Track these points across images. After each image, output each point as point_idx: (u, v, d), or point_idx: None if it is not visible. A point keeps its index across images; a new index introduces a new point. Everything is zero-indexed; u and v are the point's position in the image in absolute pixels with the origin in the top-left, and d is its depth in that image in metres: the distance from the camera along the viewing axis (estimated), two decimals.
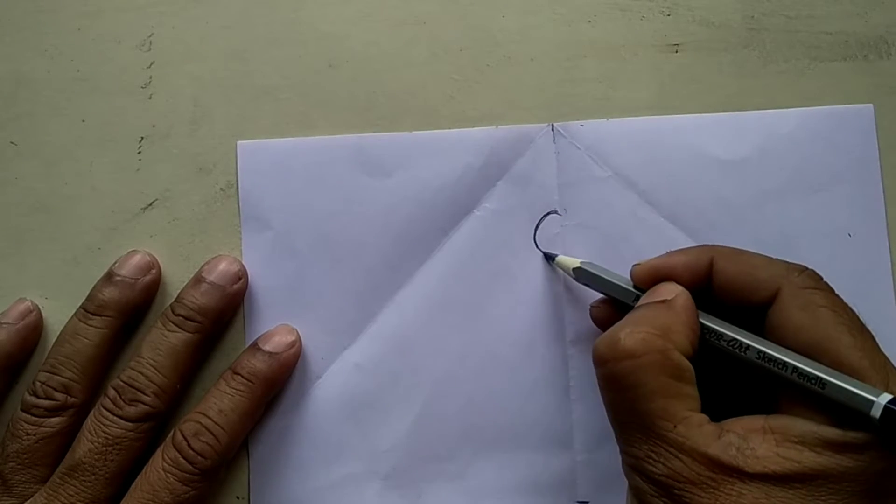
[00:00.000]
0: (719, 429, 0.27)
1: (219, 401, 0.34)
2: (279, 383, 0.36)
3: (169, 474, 0.32)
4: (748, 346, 0.28)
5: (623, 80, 0.37)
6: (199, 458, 0.33)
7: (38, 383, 0.34)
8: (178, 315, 0.35)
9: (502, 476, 0.36)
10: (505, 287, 0.36)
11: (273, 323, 0.36)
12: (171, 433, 0.34)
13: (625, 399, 0.28)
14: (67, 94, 0.38)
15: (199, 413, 0.34)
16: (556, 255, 0.35)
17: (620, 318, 0.30)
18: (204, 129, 0.38)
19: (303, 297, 0.37)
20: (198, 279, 0.36)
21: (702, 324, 0.29)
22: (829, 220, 0.36)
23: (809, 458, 0.26)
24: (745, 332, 0.29)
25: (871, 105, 0.37)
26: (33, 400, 0.34)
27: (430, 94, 0.38)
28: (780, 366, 0.27)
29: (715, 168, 0.36)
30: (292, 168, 0.37)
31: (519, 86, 0.38)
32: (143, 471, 0.33)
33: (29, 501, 0.33)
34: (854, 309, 0.29)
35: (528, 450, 0.36)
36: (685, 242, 0.36)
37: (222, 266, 0.36)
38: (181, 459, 0.33)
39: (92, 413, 0.34)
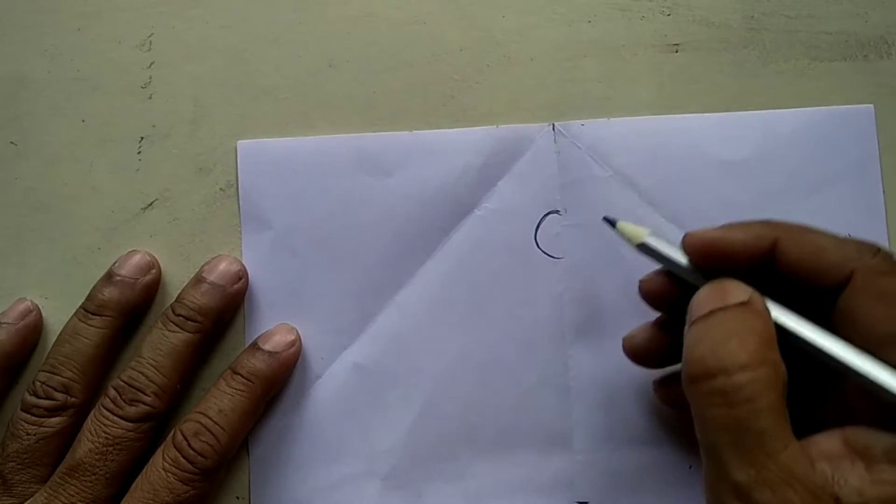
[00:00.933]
0: (807, 455, 0.25)
1: (219, 401, 0.34)
2: (279, 383, 0.36)
3: (169, 474, 0.32)
4: (822, 342, 0.26)
5: (623, 80, 0.37)
6: (199, 457, 0.33)
7: (38, 383, 0.34)
8: (179, 315, 0.35)
9: (502, 476, 0.36)
10: (505, 287, 0.36)
11: (273, 323, 0.36)
12: (172, 433, 0.34)
13: (734, 414, 0.25)
14: (67, 94, 0.38)
15: (200, 413, 0.34)
16: (618, 221, 0.32)
17: (678, 294, 0.29)
18: (204, 129, 0.38)
19: (303, 296, 0.37)
20: (198, 279, 0.36)
21: (777, 324, 0.27)
22: (830, 221, 0.36)
23: None
24: (817, 327, 0.27)
25: (871, 106, 0.37)
26: (33, 400, 0.34)
27: (430, 94, 0.38)
28: (857, 373, 0.25)
29: (715, 168, 0.36)
30: (292, 168, 0.37)
31: (519, 86, 0.38)
32: (144, 470, 0.33)
33: (29, 501, 0.33)
34: None
35: (528, 450, 0.36)
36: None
37: (222, 266, 0.36)
38: (181, 459, 0.33)
39: (92, 413, 0.34)
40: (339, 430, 0.36)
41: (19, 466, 0.34)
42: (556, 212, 0.37)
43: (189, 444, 0.33)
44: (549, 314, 0.36)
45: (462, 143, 0.37)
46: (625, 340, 0.33)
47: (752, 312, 0.27)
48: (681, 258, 0.30)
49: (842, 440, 0.25)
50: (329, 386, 0.36)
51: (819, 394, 0.28)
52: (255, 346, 0.35)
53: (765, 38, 0.38)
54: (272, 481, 0.36)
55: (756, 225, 0.29)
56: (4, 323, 0.36)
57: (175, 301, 0.35)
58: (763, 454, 0.24)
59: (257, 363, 0.35)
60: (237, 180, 0.37)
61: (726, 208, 0.36)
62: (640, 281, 0.32)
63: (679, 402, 0.31)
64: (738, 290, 0.27)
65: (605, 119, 0.37)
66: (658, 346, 0.32)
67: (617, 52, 0.38)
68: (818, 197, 0.36)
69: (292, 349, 0.36)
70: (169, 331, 0.35)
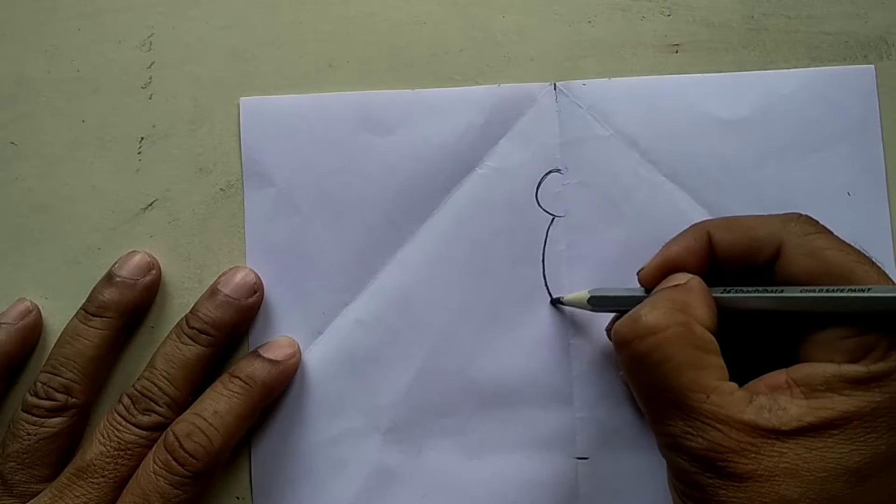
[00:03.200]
0: (748, 393, 0.27)
1: (214, 402, 0.34)
2: (276, 391, 0.36)
3: (159, 477, 0.32)
4: (781, 289, 0.28)
5: None
6: (190, 459, 0.32)
7: (38, 384, 0.34)
8: (193, 328, 0.35)
9: (502, 432, 0.36)
10: (506, 245, 0.37)
11: (277, 279, 0.37)
12: (163, 435, 0.33)
13: (653, 377, 0.27)
14: (67, 94, 0.38)
15: (194, 414, 0.34)
16: (561, 297, 0.36)
17: None
18: (204, 129, 0.38)
19: (305, 253, 0.37)
20: (213, 291, 0.36)
21: (725, 296, 0.29)
22: (830, 180, 0.36)
23: (840, 402, 0.26)
24: (763, 287, 0.29)
25: (871, 66, 0.37)
26: (34, 400, 0.34)
27: None
28: (819, 298, 0.27)
29: (716, 127, 0.37)
30: (295, 125, 0.37)
31: (518, 85, 0.38)
32: (136, 474, 0.33)
33: (32, 501, 0.33)
34: None
35: (528, 406, 0.36)
36: (686, 200, 0.36)
37: (238, 278, 0.36)
38: (172, 462, 0.32)
39: (105, 418, 0.34)
40: (340, 386, 0.36)
41: (19, 466, 0.34)
42: (558, 170, 0.37)
43: (181, 445, 0.33)
44: (549, 271, 0.36)
45: (464, 101, 0.37)
46: (608, 332, 0.35)
47: (679, 289, 0.29)
48: (629, 293, 0.32)
49: (785, 374, 0.27)
50: (330, 342, 0.37)
51: (775, 356, 0.30)
52: (255, 354, 0.35)
53: (765, 38, 0.38)
54: (272, 434, 0.36)
55: (688, 231, 0.31)
56: (4, 323, 0.36)
57: (189, 313, 0.35)
58: (686, 406, 0.26)
59: (257, 370, 0.35)
60: (239, 136, 0.37)
61: (727, 167, 0.36)
62: (607, 329, 0.35)
63: None
64: (676, 277, 0.30)
65: (607, 79, 0.37)
66: None
67: (617, 52, 0.38)
68: (818, 156, 0.37)
69: (292, 360, 0.36)
70: (182, 343, 0.35)
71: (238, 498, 0.36)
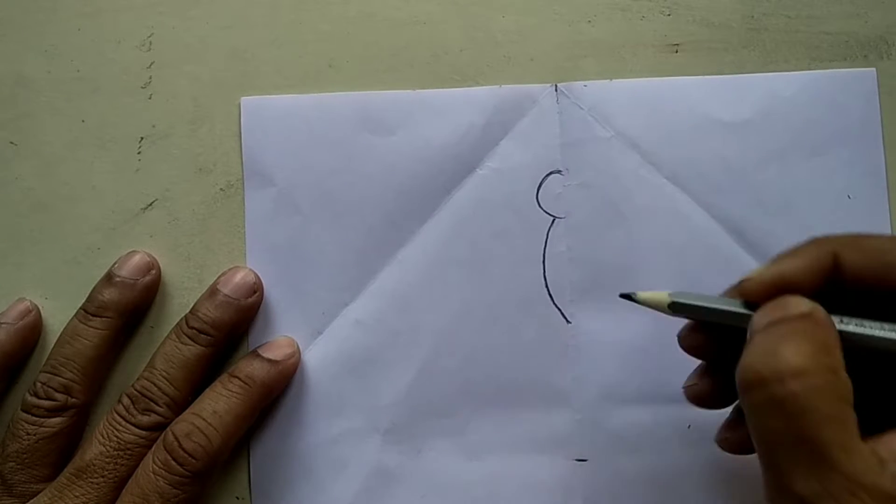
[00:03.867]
0: (877, 456, 0.23)
1: (214, 402, 0.34)
2: (276, 391, 0.36)
3: (159, 477, 0.32)
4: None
5: None
6: (189, 459, 0.32)
7: (38, 384, 0.34)
8: (192, 328, 0.35)
9: (501, 433, 0.36)
10: (506, 246, 0.37)
11: (277, 279, 0.37)
12: (163, 435, 0.33)
13: (792, 426, 0.24)
14: (67, 94, 0.38)
15: (193, 414, 0.33)
16: (635, 293, 0.30)
17: (718, 345, 0.28)
18: (204, 129, 0.38)
19: (305, 253, 0.37)
20: (213, 291, 0.36)
21: (845, 331, 0.26)
22: (831, 183, 0.36)
23: None
24: (888, 325, 0.26)
25: (873, 69, 0.37)
26: (34, 400, 0.34)
27: None
28: None
29: (717, 129, 0.37)
30: (295, 125, 0.37)
31: (519, 86, 0.38)
32: (135, 474, 0.33)
33: (32, 501, 0.33)
34: None
35: (528, 408, 0.36)
36: (687, 202, 0.36)
37: (238, 278, 0.36)
38: (171, 462, 0.32)
39: (105, 418, 0.34)
40: (339, 386, 0.36)
41: (19, 466, 0.34)
42: (558, 171, 0.37)
43: (180, 445, 0.32)
44: (550, 273, 0.36)
45: (465, 102, 0.37)
46: (686, 391, 0.32)
47: (812, 322, 0.25)
48: (721, 305, 0.28)
49: None
50: (330, 342, 0.37)
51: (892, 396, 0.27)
52: (255, 354, 0.35)
53: (765, 38, 0.38)
54: (271, 435, 0.36)
55: (810, 247, 0.28)
56: (4, 323, 0.36)
57: (189, 313, 0.35)
58: (826, 466, 0.23)
59: (256, 370, 0.35)
60: (240, 136, 0.37)
61: (728, 169, 0.36)
62: (679, 337, 0.31)
63: (743, 447, 0.30)
64: (799, 303, 0.26)
65: (608, 80, 0.37)
66: (715, 390, 0.31)
67: (617, 52, 0.38)
68: (819, 159, 0.37)
69: (292, 360, 0.36)
70: (182, 343, 0.35)
71: (237, 498, 0.36)
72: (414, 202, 0.37)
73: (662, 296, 0.29)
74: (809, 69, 0.37)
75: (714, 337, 0.30)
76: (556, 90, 0.37)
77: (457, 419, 0.36)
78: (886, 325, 0.26)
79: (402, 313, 0.37)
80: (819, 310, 0.26)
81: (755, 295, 0.27)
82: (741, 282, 0.28)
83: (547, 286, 0.36)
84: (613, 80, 0.37)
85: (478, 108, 0.37)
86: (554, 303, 0.36)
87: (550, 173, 0.37)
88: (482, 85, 0.37)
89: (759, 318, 0.26)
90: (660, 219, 0.36)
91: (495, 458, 0.36)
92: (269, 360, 0.35)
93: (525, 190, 0.37)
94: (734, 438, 0.30)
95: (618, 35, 0.38)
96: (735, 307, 0.28)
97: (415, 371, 0.36)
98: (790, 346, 0.24)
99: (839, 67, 0.37)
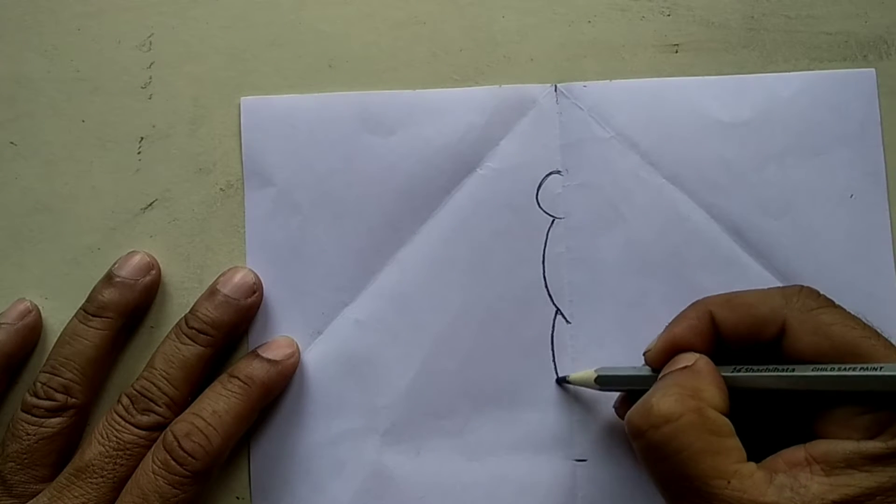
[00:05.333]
0: (768, 472, 0.26)
1: (213, 402, 0.34)
2: (275, 391, 0.36)
3: (158, 477, 0.32)
4: (792, 368, 0.28)
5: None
6: (189, 459, 0.32)
7: (38, 384, 0.34)
8: (192, 328, 0.35)
9: (500, 433, 0.36)
10: (506, 246, 0.37)
11: (277, 279, 0.37)
12: (162, 435, 0.33)
13: (670, 466, 0.27)
14: (67, 94, 0.38)
15: (193, 414, 0.33)
16: (566, 376, 0.35)
17: None
18: (204, 129, 0.38)
19: (305, 253, 0.37)
20: (212, 291, 0.36)
21: (734, 376, 0.29)
22: (830, 183, 0.36)
23: (861, 479, 0.25)
24: (777, 365, 0.29)
25: (872, 70, 0.37)
26: (34, 400, 0.34)
27: None
28: (831, 377, 0.27)
29: (717, 130, 0.37)
30: (295, 125, 0.37)
31: (519, 86, 0.38)
32: (135, 474, 0.33)
33: (32, 501, 0.33)
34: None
35: (527, 408, 0.36)
36: (686, 203, 0.36)
37: (237, 278, 0.36)
38: (171, 462, 0.32)
39: (104, 418, 0.34)
40: (339, 386, 0.36)
41: (19, 467, 0.34)
42: (558, 172, 0.37)
43: (180, 445, 0.32)
44: (549, 273, 0.36)
45: (465, 102, 0.37)
46: (617, 409, 0.35)
47: (688, 372, 0.29)
48: (636, 373, 0.32)
49: (804, 451, 0.27)
50: (330, 342, 0.37)
51: (799, 430, 0.29)
52: (254, 354, 0.35)
53: (765, 38, 0.38)
54: (271, 435, 0.36)
55: (690, 310, 0.31)
56: (4, 323, 0.36)
57: (189, 313, 0.35)
58: (708, 494, 0.26)
59: (256, 370, 0.35)
60: (240, 136, 0.37)
61: (727, 170, 0.36)
62: (615, 407, 0.34)
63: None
64: (684, 358, 0.30)
65: (607, 81, 0.37)
66: None
67: (617, 52, 0.38)
68: (819, 159, 0.37)
69: (291, 360, 0.36)
70: (182, 343, 0.35)
71: (238, 498, 0.36)
72: (414, 202, 0.37)
73: (589, 374, 0.34)
74: (809, 69, 0.37)
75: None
76: (555, 90, 0.37)
77: (456, 419, 0.36)
78: (762, 368, 0.29)
79: (401, 313, 0.37)
80: (701, 361, 0.29)
81: (656, 362, 0.31)
82: (644, 353, 0.32)
83: (547, 286, 0.36)
84: (613, 81, 0.37)
85: (478, 108, 0.37)
86: (554, 303, 0.36)
87: (550, 173, 0.37)
88: (482, 85, 0.37)
89: (661, 373, 0.30)
90: (660, 219, 0.36)
91: (495, 459, 0.36)
92: (269, 360, 0.35)
93: (525, 190, 0.37)
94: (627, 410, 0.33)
95: (618, 35, 0.38)
96: (648, 372, 0.32)
97: (414, 371, 0.36)
98: (658, 396, 0.28)
99: (839, 67, 0.37)
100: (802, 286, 0.30)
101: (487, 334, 0.36)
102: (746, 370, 0.29)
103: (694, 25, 0.38)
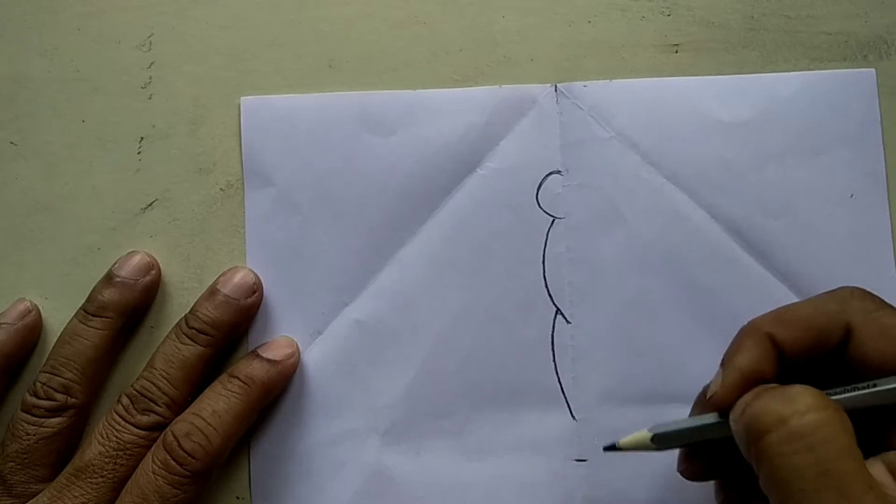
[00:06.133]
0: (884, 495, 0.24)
1: (213, 402, 0.34)
2: (275, 391, 0.36)
3: (158, 477, 0.32)
4: (874, 383, 0.27)
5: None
6: (189, 459, 0.32)
7: (38, 384, 0.34)
8: (192, 328, 0.35)
9: (500, 434, 0.36)
10: (506, 246, 0.37)
11: (277, 279, 0.37)
12: (162, 435, 0.33)
13: (815, 457, 0.24)
14: (67, 94, 0.38)
15: (193, 414, 0.33)
16: (616, 442, 0.31)
17: (713, 464, 0.29)
18: (204, 129, 0.38)
19: (305, 253, 0.37)
20: (212, 291, 0.36)
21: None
22: (830, 183, 0.36)
23: None
24: (856, 384, 0.27)
25: (872, 70, 0.37)
26: (34, 400, 0.34)
27: None
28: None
29: (717, 130, 0.37)
30: (295, 125, 0.37)
31: (519, 86, 0.38)
32: (134, 474, 0.33)
33: (32, 501, 0.33)
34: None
35: (527, 408, 0.36)
36: (686, 203, 0.36)
37: (237, 278, 0.36)
38: (171, 462, 0.32)
39: (104, 418, 0.34)
40: (339, 386, 0.36)
41: (19, 467, 0.34)
42: (558, 172, 0.37)
43: (180, 445, 0.32)
44: (549, 273, 0.36)
45: (465, 102, 0.37)
46: (681, 473, 0.32)
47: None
48: (699, 423, 0.29)
49: (886, 468, 0.26)
50: (330, 342, 0.37)
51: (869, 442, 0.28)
52: (254, 354, 0.35)
53: (765, 38, 0.38)
54: (271, 435, 0.36)
55: (745, 340, 0.29)
56: (4, 323, 0.36)
57: (189, 313, 0.35)
58: (851, 496, 0.23)
59: (256, 370, 0.35)
60: (240, 136, 0.37)
61: (728, 170, 0.36)
62: (680, 471, 0.31)
63: (699, 475, 0.31)
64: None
65: (608, 81, 0.37)
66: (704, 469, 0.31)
67: (617, 52, 0.38)
68: (819, 159, 0.37)
69: (291, 360, 0.36)
70: (182, 343, 0.35)
71: (238, 498, 0.36)
72: (414, 202, 0.37)
73: (644, 435, 0.30)
74: (809, 69, 0.37)
75: (706, 456, 0.30)
76: (555, 90, 0.37)
77: (456, 419, 0.36)
78: (842, 389, 0.27)
79: (401, 313, 0.37)
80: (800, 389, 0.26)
81: (728, 402, 0.28)
82: (710, 397, 0.28)
83: (547, 286, 0.36)
84: (613, 81, 0.37)
85: (478, 109, 0.37)
86: (554, 303, 0.36)
87: (550, 173, 0.37)
88: (482, 85, 0.37)
89: (738, 406, 0.27)
90: (660, 219, 0.36)
91: (495, 459, 0.36)
92: (269, 360, 0.35)
93: (525, 190, 0.37)
94: (692, 468, 0.31)
95: (618, 35, 0.38)
96: (712, 419, 0.28)
97: (414, 371, 0.36)
98: (798, 389, 0.25)
99: (839, 67, 0.37)
100: (852, 288, 0.29)
101: (487, 334, 0.36)
102: (832, 392, 0.27)
103: (694, 25, 0.38)
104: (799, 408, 0.25)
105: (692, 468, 0.31)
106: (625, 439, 0.30)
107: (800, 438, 0.24)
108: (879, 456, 0.26)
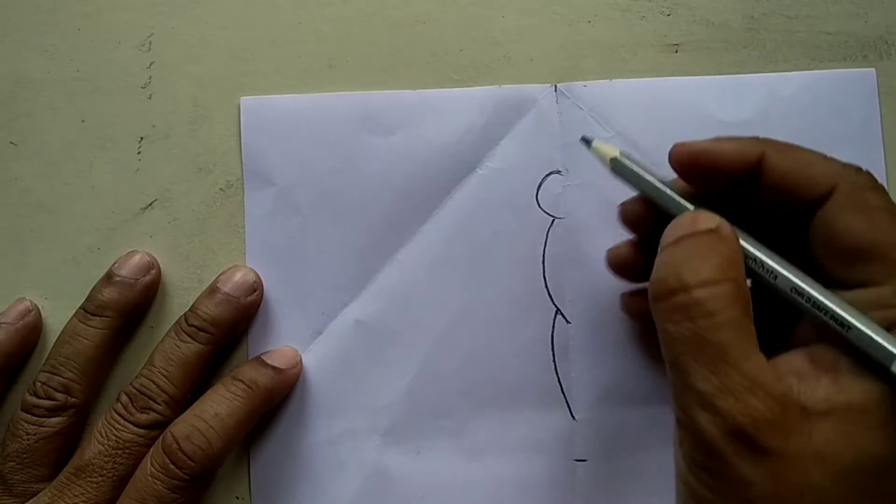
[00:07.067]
0: (776, 370, 0.25)
1: (216, 405, 0.34)
2: (276, 398, 0.36)
3: (157, 480, 0.32)
4: (776, 273, 0.27)
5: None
6: (188, 462, 0.32)
7: (38, 383, 0.34)
8: (192, 326, 0.35)
9: (500, 434, 0.36)
10: (506, 246, 0.37)
11: (277, 279, 0.37)
12: (162, 437, 0.33)
13: (696, 330, 0.25)
14: (67, 94, 0.38)
15: (194, 415, 0.33)
16: (593, 140, 0.32)
17: (654, 220, 0.29)
18: (204, 129, 0.38)
19: (305, 253, 0.37)
20: (212, 289, 0.36)
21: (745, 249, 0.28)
22: None
23: (871, 386, 0.24)
24: (779, 257, 0.28)
25: (872, 69, 0.37)
26: (34, 400, 0.34)
27: None
28: (806, 300, 0.26)
29: (717, 130, 0.36)
30: (295, 125, 0.37)
31: (519, 86, 0.38)
32: (133, 477, 0.33)
33: (32, 501, 0.33)
34: None
35: (527, 408, 0.36)
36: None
37: (237, 277, 0.36)
38: (170, 465, 0.32)
39: (103, 416, 0.34)
40: (339, 386, 0.36)
41: (19, 466, 0.34)
42: (558, 172, 0.37)
43: (179, 447, 0.32)
44: (549, 273, 0.36)
45: (465, 102, 0.37)
46: (609, 253, 0.34)
47: (718, 237, 0.27)
48: (652, 179, 0.30)
49: (807, 358, 0.26)
50: (330, 342, 0.37)
51: (786, 321, 0.28)
52: (259, 360, 0.35)
53: (765, 38, 0.38)
54: (271, 434, 0.36)
55: (745, 139, 0.29)
56: (4, 323, 0.36)
57: (189, 311, 0.35)
58: (725, 364, 0.25)
59: (260, 375, 0.35)
60: (240, 136, 0.37)
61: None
62: (620, 204, 0.32)
63: (641, 314, 0.33)
64: (707, 219, 0.28)
65: (608, 80, 0.37)
66: (636, 263, 0.33)
67: (617, 52, 0.38)
68: None
69: (294, 370, 0.36)
70: (181, 341, 0.35)
71: (238, 498, 0.36)
72: (414, 202, 0.37)
73: (611, 150, 0.31)
74: (809, 69, 0.37)
75: (651, 216, 0.31)
76: (555, 90, 0.37)
77: (456, 420, 0.36)
78: (774, 255, 0.28)
79: (401, 313, 0.37)
80: (725, 226, 0.27)
81: (680, 159, 0.29)
82: (675, 145, 0.29)
83: (547, 286, 0.36)
84: (613, 80, 0.37)
85: (478, 108, 0.37)
86: (554, 303, 0.36)
87: (550, 173, 0.37)
88: (482, 85, 0.37)
89: (670, 232, 0.28)
90: None
91: (495, 459, 0.36)
92: (274, 368, 0.35)
93: (525, 190, 0.37)
94: (634, 303, 0.34)
95: (618, 35, 0.38)
96: (665, 186, 0.30)
97: (414, 371, 0.36)
98: (696, 260, 0.26)
99: (839, 67, 0.37)
100: (859, 167, 0.28)
101: (487, 334, 0.36)
102: (756, 245, 0.28)
103: (694, 25, 0.38)
104: (690, 282, 0.26)
105: (631, 210, 0.32)
106: (598, 142, 0.32)
107: (684, 311, 0.26)
108: (808, 347, 0.26)
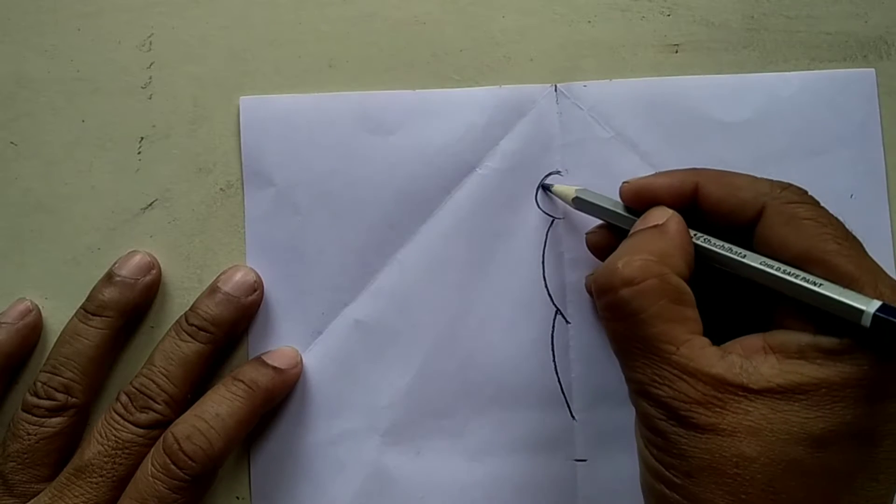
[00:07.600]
0: (722, 350, 0.27)
1: (217, 405, 0.34)
2: (277, 399, 0.36)
3: (157, 481, 0.32)
4: (745, 254, 0.29)
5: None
6: (189, 462, 0.32)
7: (38, 384, 0.34)
8: (192, 325, 0.35)
9: (500, 434, 0.36)
10: (506, 246, 0.37)
11: (276, 279, 0.37)
12: (162, 437, 0.33)
13: (626, 326, 0.28)
14: (67, 94, 0.38)
15: (195, 416, 0.33)
16: (552, 185, 0.36)
17: (617, 243, 0.30)
18: (204, 129, 0.38)
19: (305, 253, 0.37)
20: (213, 289, 0.36)
21: (696, 244, 0.30)
22: (830, 183, 0.36)
23: (811, 370, 0.26)
24: (737, 247, 0.29)
25: (872, 70, 0.37)
26: (34, 400, 0.34)
27: None
28: (773, 276, 0.28)
29: (717, 130, 0.37)
30: (295, 124, 0.37)
31: (519, 86, 0.38)
32: (133, 477, 0.33)
33: (32, 501, 0.33)
34: None
35: (527, 408, 0.36)
36: None
37: (238, 277, 0.36)
38: (171, 465, 0.32)
39: (103, 416, 0.34)
40: (338, 386, 0.36)
41: (20, 466, 0.34)
42: (558, 172, 0.37)
43: (180, 447, 0.32)
44: (549, 273, 0.36)
45: (465, 102, 0.37)
46: (588, 235, 0.35)
47: (659, 232, 0.29)
48: (611, 206, 0.32)
49: (762, 339, 0.28)
50: (329, 342, 0.37)
51: (752, 312, 0.30)
52: (259, 360, 0.35)
53: (765, 38, 0.38)
54: (271, 434, 0.36)
55: (680, 172, 0.31)
56: (4, 323, 0.36)
57: (189, 310, 0.35)
58: (655, 356, 0.27)
59: (260, 376, 0.35)
60: (239, 135, 0.37)
61: (727, 170, 0.36)
62: (586, 234, 0.35)
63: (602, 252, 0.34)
64: (658, 215, 0.30)
65: (607, 81, 0.37)
66: (613, 245, 0.33)
67: (617, 52, 0.38)
68: (819, 160, 0.37)
69: (295, 370, 0.36)
70: (181, 340, 0.35)
71: (238, 498, 0.36)
72: (414, 202, 0.37)
73: (570, 190, 0.34)
74: (809, 69, 0.37)
75: (616, 242, 0.32)
76: (555, 90, 0.37)
77: (456, 420, 0.36)
78: (720, 243, 0.29)
79: (401, 313, 0.37)
80: (674, 220, 0.30)
81: (627, 198, 0.32)
82: (623, 183, 0.32)
83: (546, 286, 0.36)
84: (613, 80, 0.37)
85: (477, 109, 0.37)
86: (554, 303, 0.36)
87: (550, 173, 0.37)
88: (482, 85, 0.37)
89: (633, 227, 0.31)
90: None
91: (495, 459, 0.36)
92: (274, 368, 0.35)
93: (525, 190, 0.37)
94: (598, 241, 0.34)
95: (618, 35, 0.38)
96: (623, 211, 0.32)
97: (414, 371, 0.36)
98: (624, 259, 0.28)
99: (839, 67, 0.37)
100: (791, 183, 0.30)
101: (487, 334, 0.36)
102: (705, 240, 0.29)
103: (694, 25, 0.38)
104: (615, 282, 0.28)
105: (597, 239, 0.34)
106: (558, 186, 0.36)
107: (615, 309, 0.28)
108: (767, 333, 0.28)
